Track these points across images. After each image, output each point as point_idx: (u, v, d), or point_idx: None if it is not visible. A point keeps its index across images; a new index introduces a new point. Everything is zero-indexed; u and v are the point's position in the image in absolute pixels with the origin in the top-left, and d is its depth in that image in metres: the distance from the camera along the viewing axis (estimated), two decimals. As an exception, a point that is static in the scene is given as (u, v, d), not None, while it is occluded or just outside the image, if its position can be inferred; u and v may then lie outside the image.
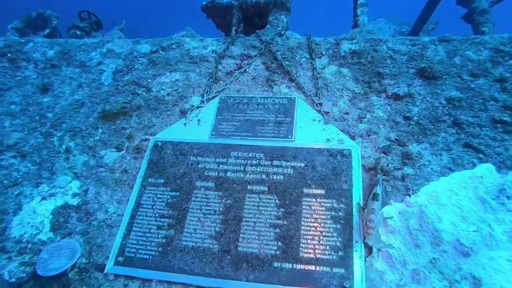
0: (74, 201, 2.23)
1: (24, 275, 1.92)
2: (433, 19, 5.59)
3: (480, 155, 1.98)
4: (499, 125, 2.07)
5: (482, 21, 3.60)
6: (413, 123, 2.18)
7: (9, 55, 3.24)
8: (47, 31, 4.62)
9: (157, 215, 2.03)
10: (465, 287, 1.61)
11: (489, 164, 1.92)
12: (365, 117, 2.28)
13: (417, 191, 1.91)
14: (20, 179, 2.41)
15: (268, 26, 3.14)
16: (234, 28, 3.34)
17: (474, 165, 1.95)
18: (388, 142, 2.14)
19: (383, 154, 2.09)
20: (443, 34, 2.56)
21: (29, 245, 2.09)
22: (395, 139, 2.14)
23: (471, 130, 2.08)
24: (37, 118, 2.75)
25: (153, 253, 1.91)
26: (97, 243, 2.03)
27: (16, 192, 2.34)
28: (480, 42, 2.47)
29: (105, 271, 1.90)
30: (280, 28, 3.05)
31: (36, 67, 3.14)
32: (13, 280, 1.90)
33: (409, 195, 1.91)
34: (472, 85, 2.26)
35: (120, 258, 1.92)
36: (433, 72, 2.32)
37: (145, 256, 1.90)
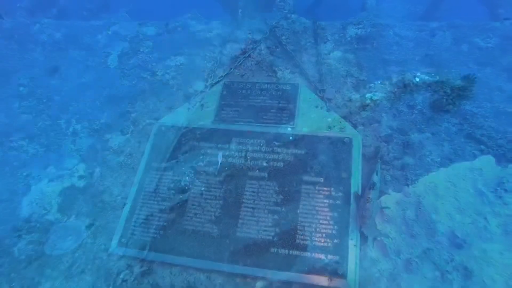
0: (80, 183, 2.30)
1: (33, 253, 2.02)
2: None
3: (482, 146, 1.97)
4: (503, 116, 2.04)
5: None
6: (416, 112, 2.16)
7: (16, 36, 3.27)
8: (54, 10, 4.62)
9: (159, 198, 2.09)
10: (456, 278, 1.64)
11: (489, 156, 1.91)
12: (368, 105, 2.26)
13: (416, 181, 1.92)
14: (29, 161, 2.49)
15: (274, 8, 3.08)
16: (240, 10, 3.28)
17: (475, 156, 1.94)
18: (390, 131, 2.13)
19: (384, 143, 2.09)
20: (453, 20, 2.49)
21: (38, 225, 2.17)
22: (397, 128, 2.13)
23: (474, 121, 2.05)
24: (44, 101, 2.80)
25: (155, 235, 1.97)
26: (102, 224, 2.11)
27: (25, 174, 2.42)
28: (490, 28, 2.39)
29: (109, 252, 1.99)
30: (287, 11, 2.99)
31: (43, 49, 3.16)
32: (23, 257, 2.01)
33: (408, 185, 1.92)
34: (478, 74, 2.21)
35: (123, 240, 2.00)
36: (439, 59, 2.27)
37: (147, 238, 1.97)
